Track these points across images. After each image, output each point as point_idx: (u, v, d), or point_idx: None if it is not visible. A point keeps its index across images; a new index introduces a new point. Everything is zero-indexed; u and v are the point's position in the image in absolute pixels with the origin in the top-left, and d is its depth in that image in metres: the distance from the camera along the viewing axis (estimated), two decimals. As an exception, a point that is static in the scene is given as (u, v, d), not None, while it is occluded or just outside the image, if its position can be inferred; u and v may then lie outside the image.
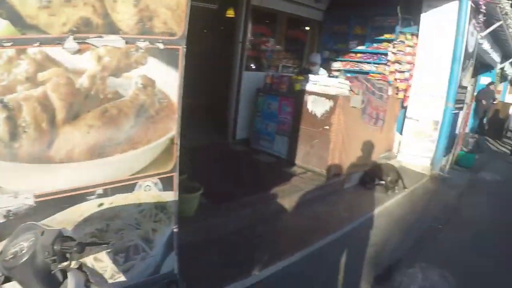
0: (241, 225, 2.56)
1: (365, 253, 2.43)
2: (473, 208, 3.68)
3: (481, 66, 7.76)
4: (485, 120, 8.55)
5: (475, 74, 7.95)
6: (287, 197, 3.02)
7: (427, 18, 4.36)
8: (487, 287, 2.24)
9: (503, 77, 10.44)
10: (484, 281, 2.25)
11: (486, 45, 6.34)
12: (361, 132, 3.94)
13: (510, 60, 9.11)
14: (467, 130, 5.93)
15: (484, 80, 8.41)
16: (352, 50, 5.39)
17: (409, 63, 4.61)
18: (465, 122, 5.21)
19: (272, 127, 4.11)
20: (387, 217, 3.11)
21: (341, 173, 3.68)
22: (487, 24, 5.01)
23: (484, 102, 7.78)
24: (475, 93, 8.03)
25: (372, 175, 3.79)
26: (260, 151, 4.24)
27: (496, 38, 6.79)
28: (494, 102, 8.29)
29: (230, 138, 4.64)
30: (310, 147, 3.73)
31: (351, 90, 3.68)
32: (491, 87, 8.00)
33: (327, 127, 3.55)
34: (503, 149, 7.60)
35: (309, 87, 3.78)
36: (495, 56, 7.73)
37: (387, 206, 3.37)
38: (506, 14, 5.11)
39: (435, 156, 4.42)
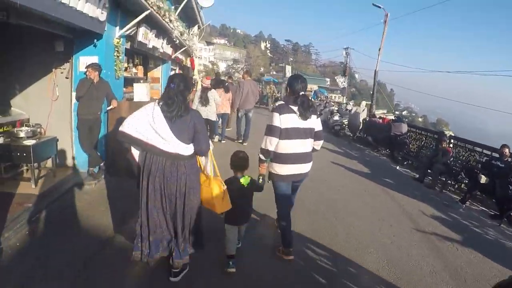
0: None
1: None
2: None
3: (78, 34, 3.84)
4: None
5: (70, 52, 4.05)
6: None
7: None
8: None
9: (121, 52, 4.65)
10: None
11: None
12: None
13: (137, 20, 4.50)
14: None
15: (86, 61, 4.07)
16: None
17: None
18: None
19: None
20: None
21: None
22: None
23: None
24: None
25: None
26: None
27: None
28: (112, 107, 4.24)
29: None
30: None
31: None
32: (93, 72, 3.89)
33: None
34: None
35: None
36: (91, 10, 3.42)
37: None
38: None
39: None
